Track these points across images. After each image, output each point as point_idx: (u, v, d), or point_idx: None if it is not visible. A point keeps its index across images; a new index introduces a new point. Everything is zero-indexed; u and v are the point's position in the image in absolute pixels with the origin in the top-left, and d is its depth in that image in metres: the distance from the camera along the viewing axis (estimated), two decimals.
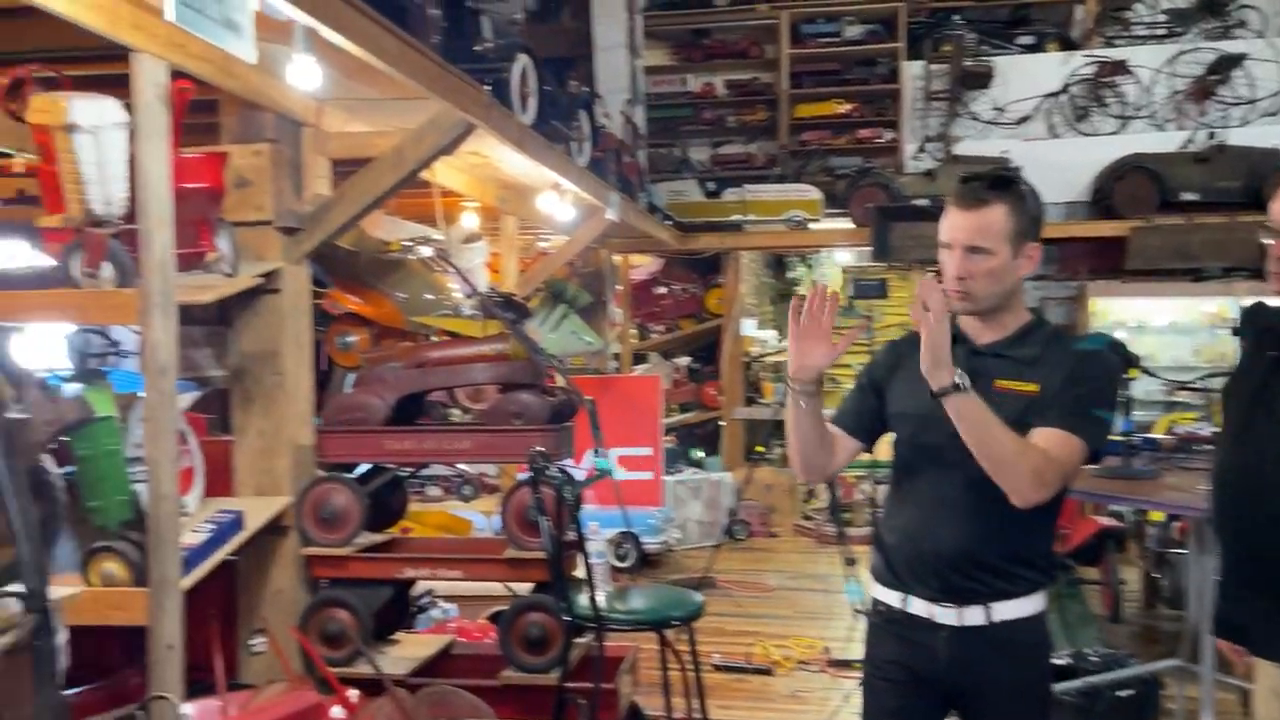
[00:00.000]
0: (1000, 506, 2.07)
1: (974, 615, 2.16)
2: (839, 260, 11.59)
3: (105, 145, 3.03)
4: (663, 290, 9.80)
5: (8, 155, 3.93)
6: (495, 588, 4.77)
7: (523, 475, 4.35)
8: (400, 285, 4.99)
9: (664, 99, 9.80)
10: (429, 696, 3.20)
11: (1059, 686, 3.87)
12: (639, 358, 9.88)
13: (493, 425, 3.98)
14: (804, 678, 5.29)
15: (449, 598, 5.29)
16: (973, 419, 2.02)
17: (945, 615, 2.18)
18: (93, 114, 3.00)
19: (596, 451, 4.10)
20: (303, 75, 2.99)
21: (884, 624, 2.30)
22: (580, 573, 3.72)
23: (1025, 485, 2.04)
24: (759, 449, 6.94)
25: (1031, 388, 2.15)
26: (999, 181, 2.18)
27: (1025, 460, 2.04)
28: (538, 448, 3.44)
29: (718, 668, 5.31)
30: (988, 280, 2.15)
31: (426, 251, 5.15)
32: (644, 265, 10.07)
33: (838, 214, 8.45)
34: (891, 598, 2.27)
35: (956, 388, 2.00)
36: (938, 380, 2.01)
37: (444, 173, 5.34)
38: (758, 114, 9.78)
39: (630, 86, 7.67)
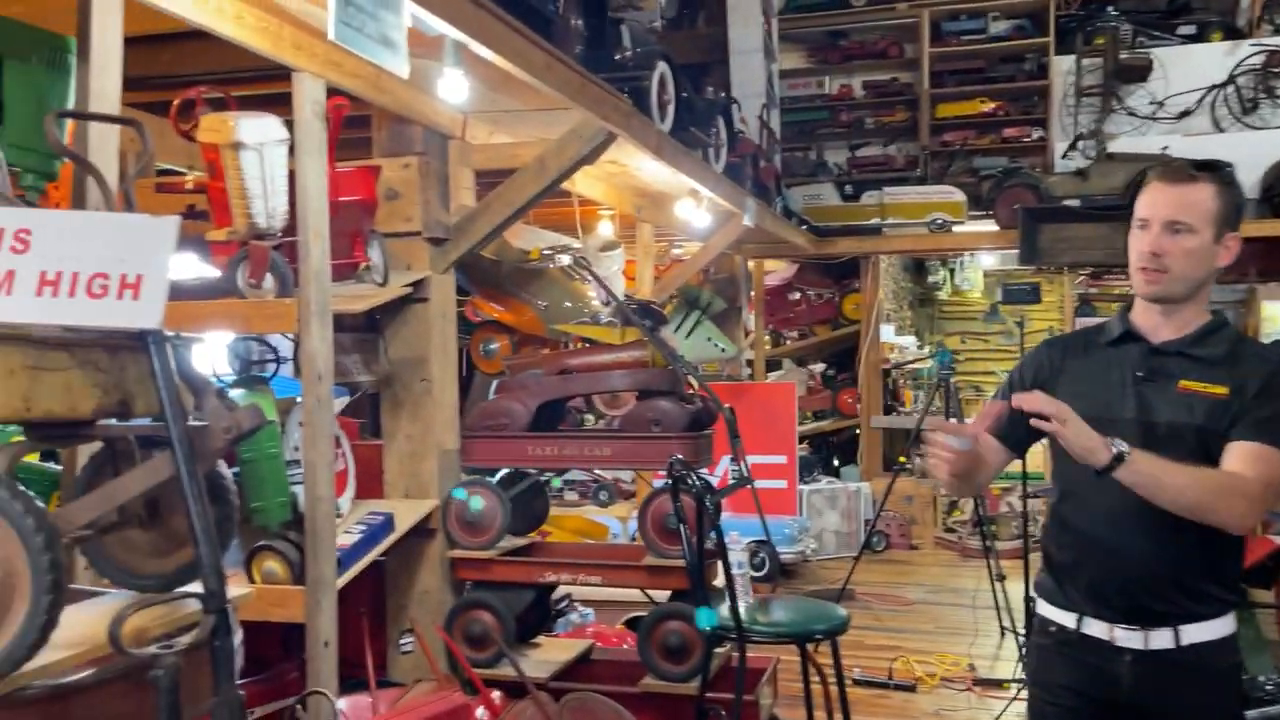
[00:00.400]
0: (1189, 519, 1.93)
1: (1161, 638, 2.01)
2: (982, 264, 11.22)
3: (269, 161, 3.17)
4: (797, 296, 9.66)
5: (180, 173, 4.16)
6: (632, 593, 4.78)
7: (659, 482, 4.35)
8: (540, 293, 5.06)
9: (799, 102, 9.67)
10: (574, 702, 3.21)
11: None
12: (772, 364, 9.78)
13: (632, 432, 3.99)
14: (948, 696, 5.10)
15: (586, 602, 5.33)
16: (1149, 478, 1.88)
17: (1128, 638, 2.03)
18: (257, 132, 3.14)
19: (735, 459, 4.05)
20: (452, 89, 3.06)
21: (1055, 646, 2.16)
22: (719, 582, 3.68)
23: (1235, 517, 1.90)
24: (902, 459, 6.75)
25: (1221, 390, 1.98)
26: (1208, 164, 2.06)
27: (1225, 494, 1.89)
28: (677, 455, 3.42)
29: (858, 682, 5.18)
30: (1185, 261, 2.00)
31: (566, 260, 5.21)
32: (778, 270, 9.96)
33: (982, 216, 8.16)
34: (1064, 619, 2.12)
35: (1120, 458, 1.86)
36: (1097, 460, 1.87)
37: (583, 182, 5.41)
38: (897, 115, 9.54)
39: (766, 90, 7.60)
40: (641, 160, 4.78)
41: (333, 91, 3.32)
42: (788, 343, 10.10)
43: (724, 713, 3.37)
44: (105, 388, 1.34)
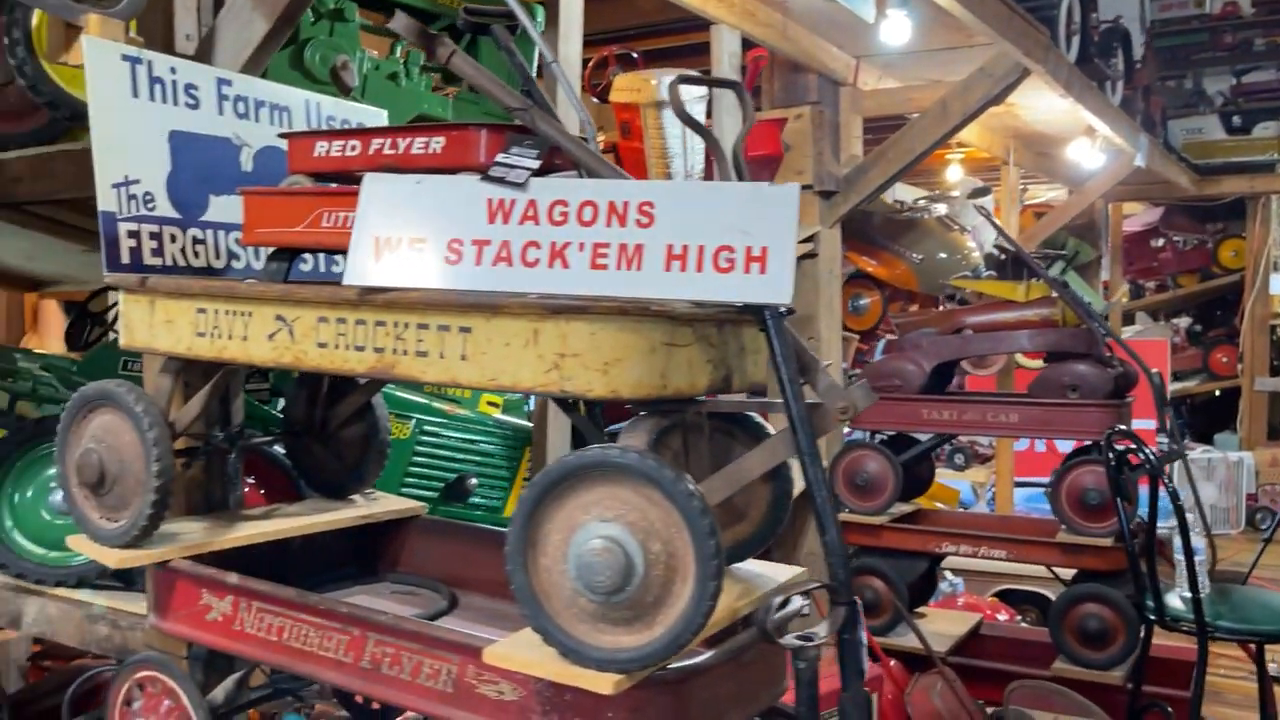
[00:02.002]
0: None
1: None
2: None
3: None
4: (1161, 242, 8.70)
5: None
6: (998, 564, 4.48)
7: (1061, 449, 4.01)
8: (914, 245, 4.81)
9: (1170, 25, 8.60)
10: (1023, 689, 3.02)
11: None
12: (1124, 318, 8.91)
13: (1044, 398, 3.68)
14: None
15: (954, 570, 5.09)
16: None
17: None
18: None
19: (1161, 429, 3.66)
20: (896, 31, 2.87)
21: None
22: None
23: None
24: None
25: None
26: None
27: None
28: (1119, 427, 3.10)
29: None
30: None
31: (941, 209, 4.92)
32: (1136, 215, 9.02)
33: None
34: None
35: None
36: None
37: None
38: None
39: (1139, 13, 6.81)
40: (1039, 97, 4.38)
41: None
42: (1145, 295, 9.16)
43: (1170, 710, 3.05)
44: (715, 363, 1.30)
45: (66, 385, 2.56)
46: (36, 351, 3.16)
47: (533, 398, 3.59)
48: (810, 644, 1.22)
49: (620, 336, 1.19)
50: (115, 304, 3.25)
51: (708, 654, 1.27)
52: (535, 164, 1.33)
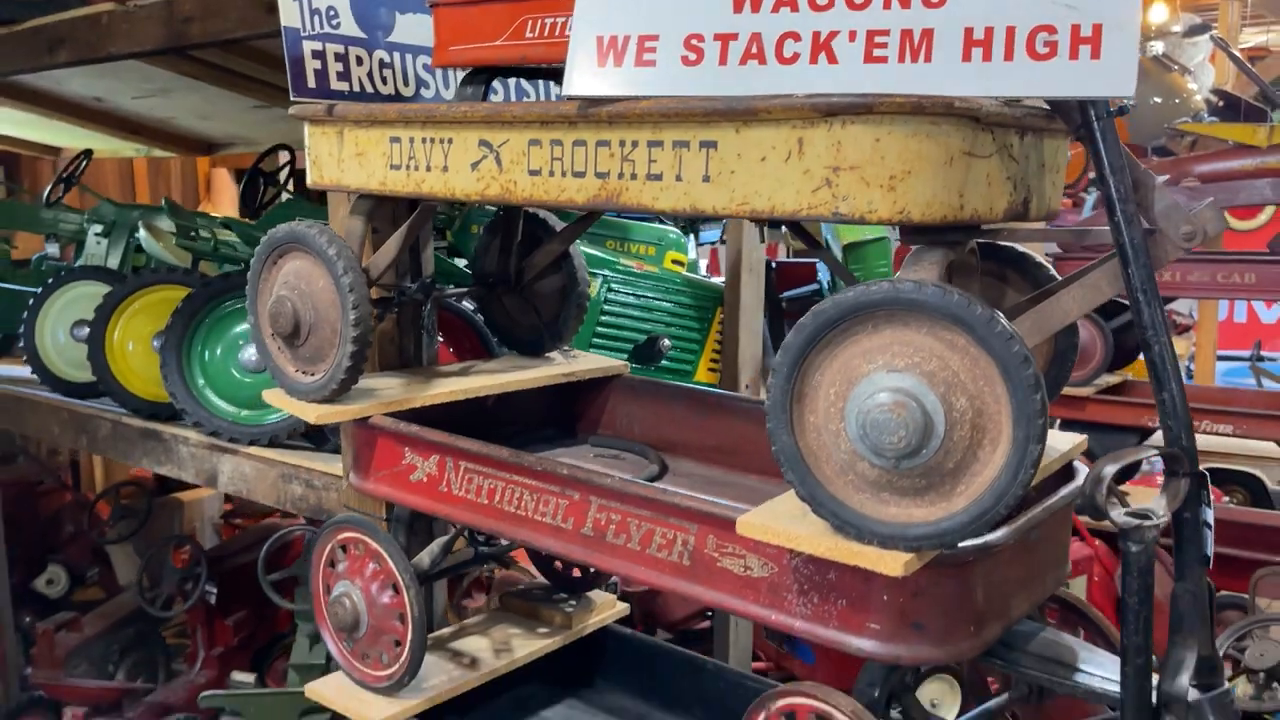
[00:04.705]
0: None
1: None
2: None
3: None
4: None
5: None
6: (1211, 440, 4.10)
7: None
8: None
9: None
10: (1276, 579, 2.73)
11: None
12: None
13: None
14: None
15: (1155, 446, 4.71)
16: None
17: None
18: None
19: None
20: None
21: None
22: None
23: None
24: None
25: None
26: None
27: None
28: None
29: None
30: None
31: (1158, 47, 4.36)
32: None
33: None
34: None
35: None
36: None
37: None
38: None
39: None
40: None
41: None
42: None
43: None
44: (1015, 182, 1.06)
45: (247, 243, 2.50)
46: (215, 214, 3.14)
47: (703, 261, 3.38)
48: (1149, 522, 1.00)
49: (912, 143, 0.96)
50: (287, 163, 3.18)
51: (999, 530, 1.07)
52: None
